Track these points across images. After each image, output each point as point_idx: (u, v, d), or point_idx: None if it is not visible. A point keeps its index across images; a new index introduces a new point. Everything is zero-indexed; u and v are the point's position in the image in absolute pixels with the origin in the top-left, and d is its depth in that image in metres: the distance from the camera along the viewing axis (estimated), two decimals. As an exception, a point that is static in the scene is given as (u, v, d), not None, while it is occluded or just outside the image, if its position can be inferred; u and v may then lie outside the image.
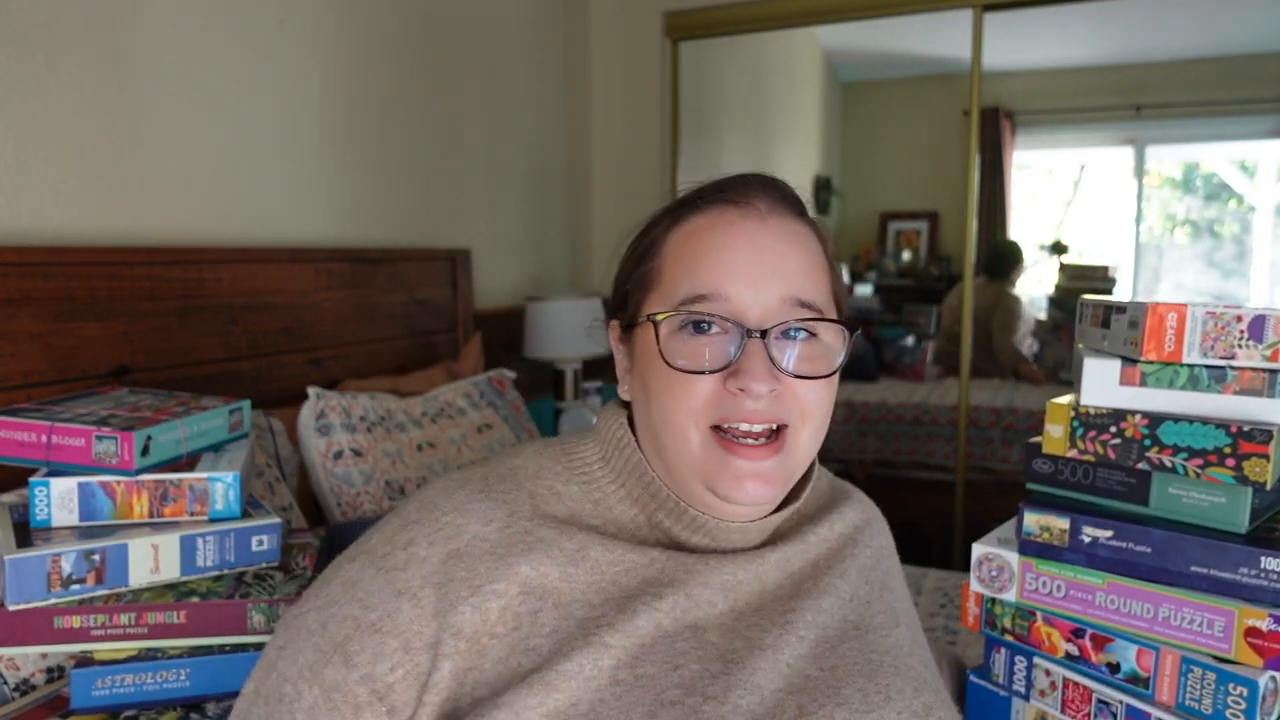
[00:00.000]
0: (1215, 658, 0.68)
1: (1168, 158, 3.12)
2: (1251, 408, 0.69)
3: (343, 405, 1.60)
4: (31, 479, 1.01)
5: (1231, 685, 0.66)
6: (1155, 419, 0.71)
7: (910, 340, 3.26)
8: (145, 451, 1.03)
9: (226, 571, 1.04)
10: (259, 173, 1.75)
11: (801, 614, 0.70)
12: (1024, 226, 3.24)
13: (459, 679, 0.62)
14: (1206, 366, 0.70)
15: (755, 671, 0.64)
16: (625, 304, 0.76)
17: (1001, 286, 3.10)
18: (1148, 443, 0.71)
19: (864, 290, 3.43)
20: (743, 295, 0.67)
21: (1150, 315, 0.69)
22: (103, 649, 0.95)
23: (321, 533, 1.24)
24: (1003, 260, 3.14)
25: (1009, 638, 0.80)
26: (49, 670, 1.02)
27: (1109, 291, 3.05)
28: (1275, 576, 0.65)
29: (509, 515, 0.68)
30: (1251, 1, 2.75)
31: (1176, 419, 0.70)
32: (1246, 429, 0.67)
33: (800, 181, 0.75)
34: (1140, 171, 3.09)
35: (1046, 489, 0.79)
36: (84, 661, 0.94)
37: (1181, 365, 0.70)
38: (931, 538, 2.81)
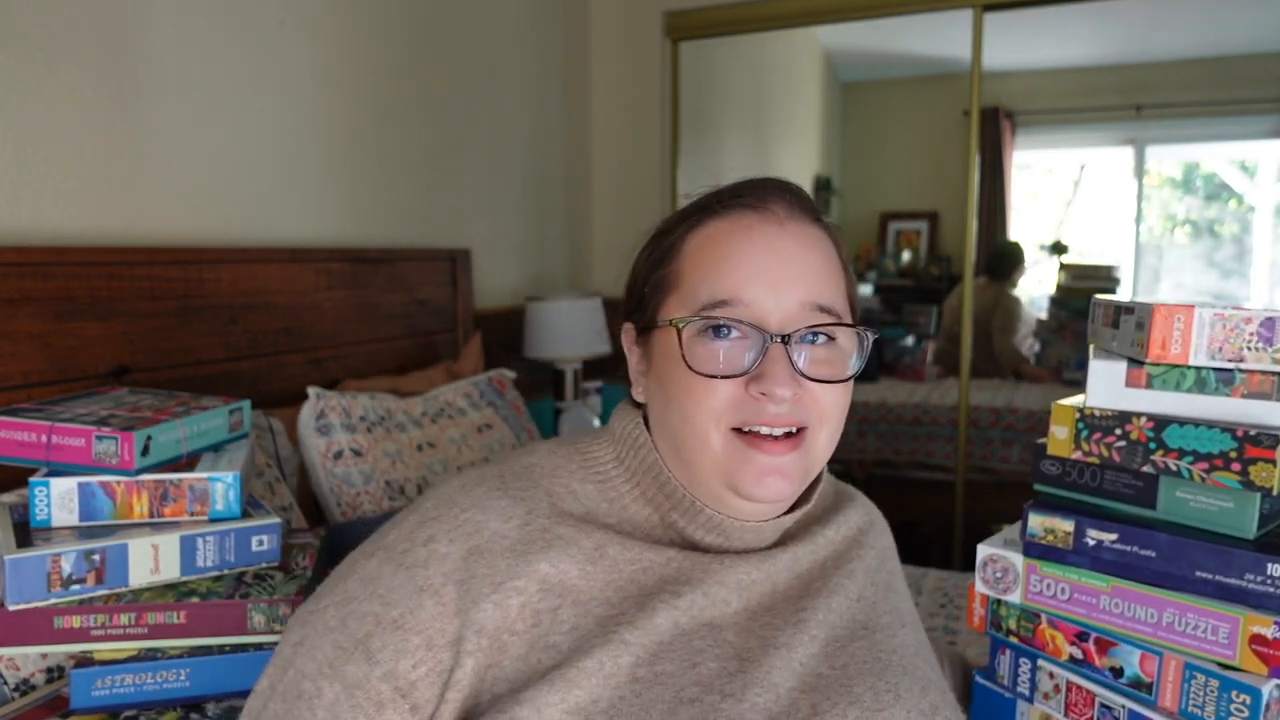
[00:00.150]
0: (1219, 664, 0.67)
1: (1168, 158, 3.12)
2: (1260, 411, 0.67)
3: (343, 405, 1.60)
4: (31, 479, 1.01)
5: (1235, 693, 0.65)
6: (1161, 422, 0.70)
7: (910, 340, 3.26)
8: (145, 451, 1.03)
9: (226, 571, 1.04)
10: (259, 173, 1.75)
11: (813, 613, 0.71)
12: (1024, 226, 3.24)
13: (480, 676, 0.62)
14: (1214, 369, 0.69)
15: (771, 670, 0.65)
16: (640, 307, 0.76)
17: (1002, 287, 3.10)
18: (1153, 446, 0.70)
19: (864, 290, 3.43)
20: (763, 300, 0.68)
21: (1156, 316, 0.68)
22: (103, 649, 0.95)
23: (321, 533, 1.24)
24: (1004, 261, 3.13)
25: (1014, 639, 0.79)
26: (49, 670, 1.02)
27: (1113, 291, 3.04)
28: (1283, 584, 0.64)
29: (527, 513, 0.69)
30: (1251, 1, 2.75)
31: (1182, 422, 0.69)
32: (1253, 433, 0.65)
33: (800, 182, 0.76)
34: (1140, 171, 3.09)
35: (1053, 490, 0.78)
36: (84, 661, 0.94)
37: (1188, 368, 0.69)
38: (931, 538, 2.81)
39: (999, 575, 0.79)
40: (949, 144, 3.05)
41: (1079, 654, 0.75)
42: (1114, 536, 0.72)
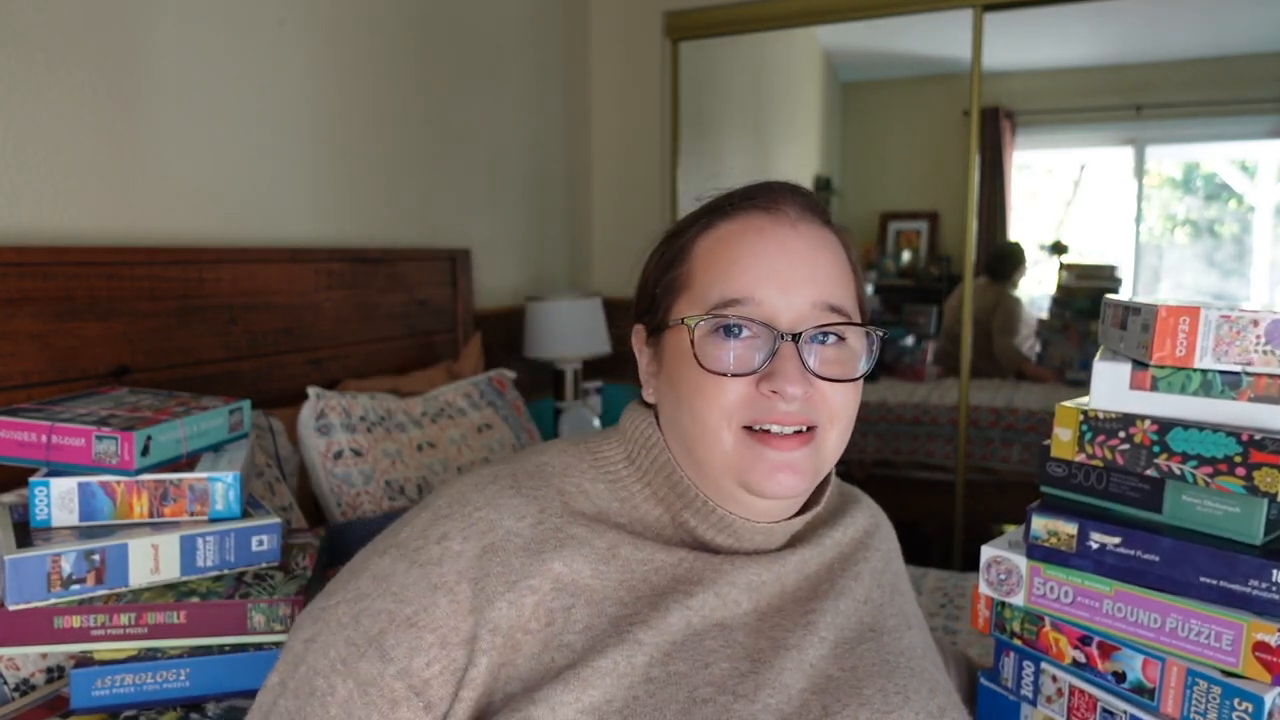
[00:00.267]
0: (1223, 671, 0.66)
1: (1168, 158, 3.12)
2: (1266, 415, 0.66)
3: (343, 405, 1.60)
4: (31, 479, 1.01)
5: (1237, 700, 0.64)
6: (1165, 425, 0.69)
7: (910, 340, 3.26)
8: (145, 451, 1.03)
9: (226, 571, 1.04)
10: (259, 172, 1.75)
11: (821, 615, 0.71)
12: (1024, 226, 3.24)
13: (494, 674, 0.62)
14: (1220, 372, 0.67)
15: (782, 671, 0.66)
16: (651, 308, 0.77)
17: (1003, 288, 3.10)
18: (1156, 449, 0.70)
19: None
20: (775, 300, 0.68)
21: (1160, 318, 0.67)
22: (103, 649, 0.95)
23: (321, 533, 1.24)
24: (1004, 261, 3.13)
25: (1018, 642, 0.79)
26: (49, 670, 1.02)
27: (1115, 290, 3.04)
28: (1288, 590, 0.63)
29: (540, 512, 0.69)
30: (1251, 1, 2.75)
31: (1186, 425, 0.68)
32: (1258, 437, 0.64)
33: (800, 182, 0.76)
34: (1140, 171, 3.09)
35: (1059, 492, 0.77)
36: (84, 661, 0.94)
37: (1194, 370, 0.68)
38: (931, 538, 2.81)
39: (1002, 577, 0.78)
40: (949, 144, 3.05)
41: (1082, 658, 0.74)
42: (1117, 540, 0.71)
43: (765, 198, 0.73)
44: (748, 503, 0.71)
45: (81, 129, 1.41)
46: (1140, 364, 0.71)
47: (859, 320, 0.72)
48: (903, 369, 3.21)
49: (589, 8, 2.97)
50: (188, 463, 1.11)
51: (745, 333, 0.68)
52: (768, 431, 0.68)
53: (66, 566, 0.95)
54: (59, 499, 1.01)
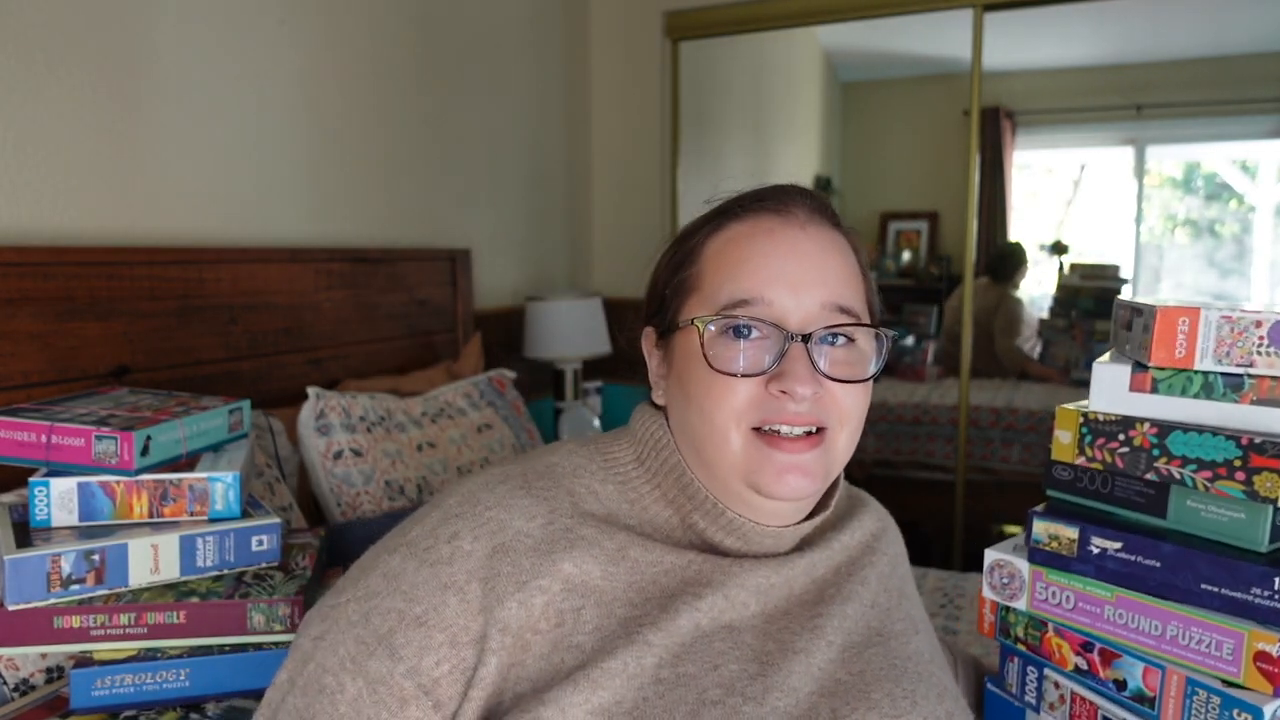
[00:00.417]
0: (1223, 681, 0.64)
1: (1168, 158, 3.12)
2: (1269, 419, 0.64)
3: (343, 405, 1.60)
4: (31, 479, 1.01)
5: (1237, 711, 0.62)
6: (1164, 428, 0.67)
7: (910, 340, 3.26)
8: (145, 451, 1.03)
9: (226, 571, 1.04)
10: (259, 172, 1.75)
11: (828, 619, 0.71)
12: (1024, 226, 3.23)
13: (503, 674, 0.62)
14: (1222, 374, 0.66)
15: (790, 674, 0.66)
16: (661, 310, 0.77)
17: (1004, 288, 3.09)
18: (1156, 452, 0.68)
19: (864, 290, 3.42)
20: (784, 300, 0.68)
21: (1159, 319, 0.66)
22: (102, 649, 0.95)
23: (321, 533, 1.24)
24: (1006, 262, 3.13)
25: (1022, 647, 0.78)
26: (49, 670, 1.02)
27: (1118, 289, 3.04)
28: (1291, 599, 0.61)
29: (550, 512, 0.69)
30: (1251, 1, 2.75)
31: (1186, 428, 0.66)
32: (1258, 441, 0.62)
33: (800, 182, 0.76)
34: (1140, 171, 3.09)
35: (1065, 496, 0.76)
36: (83, 661, 0.94)
37: (1194, 372, 0.67)
38: (931, 538, 2.81)
39: (1005, 581, 0.77)
40: (949, 144, 3.05)
41: (1084, 664, 0.73)
42: (1118, 545, 0.70)
43: (775, 199, 0.73)
44: (757, 505, 0.71)
45: (81, 129, 1.41)
46: (1140, 366, 0.70)
47: (869, 321, 0.72)
48: (903, 369, 3.20)
49: (589, 8, 2.97)
50: (188, 463, 1.11)
51: (755, 333, 0.68)
52: (777, 433, 0.68)
53: (66, 566, 0.95)
54: (59, 499, 1.01)
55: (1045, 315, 3.17)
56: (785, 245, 0.70)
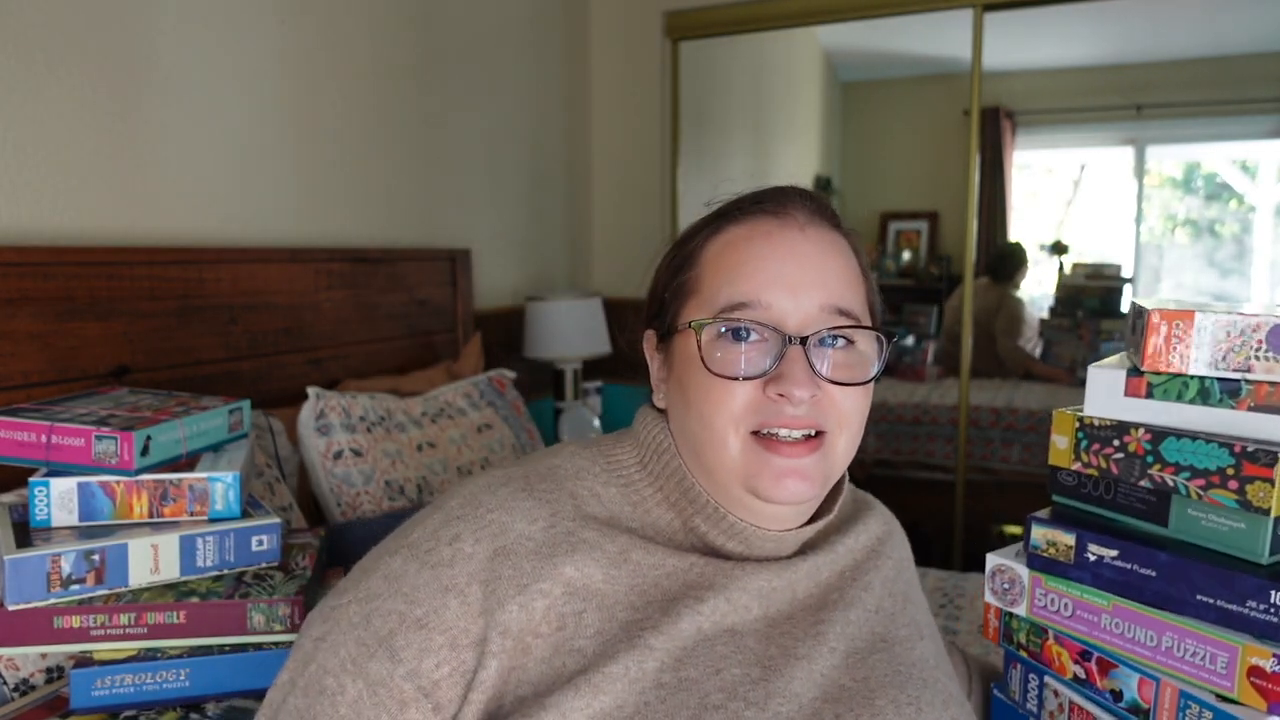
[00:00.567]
0: (1217, 695, 0.62)
1: (1168, 158, 3.12)
2: (1267, 425, 0.62)
3: (343, 405, 1.60)
4: (31, 479, 1.01)
5: None
6: (1158, 434, 0.66)
7: (911, 340, 3.26)
8: (145, 451, 1.03)
9: (226, 571, 1.04)
10: (259, 172, 1.75)
11: (831, 625, 0.71)
12: (1024, 226, 3.23)
13: (504, 678, 0.62)
14: (1219, 379, 0.64)
15: (793, 680, 0.65)
16: (661, 313, 0.77)
17: (1005, 289, 3.09)
18: (1150, 459, 0.66)
19: (864, 290, 3.42)
20: (783, 303, 0.68)
21: (1152, 322, 0.64)
22: (102, 649, 0.95)
23: (321, 533, 1.24)
24: (1006, 262, 3.13)
25: (1024, 653, 0.77)
26: (48, 670, 1.02)
27: (1120, 289, 3.04)
28: (1287, 613, 0.59)
29: (552, 515, 0.69)
30: (1251, 1, 2.75)
31: (1179, 435, 0.64)
32: (1251, 449, 0.60)
33: (800, 182, 0.76)
34: (1140, 171, 3.09)
35: (1068, 501, 0.75)
36: (83, 661, 0.94)
37: (1190, 377, 0.65)
38: (931, 538, 2.81)
39: (1006, 586, 0.77)
40: (949, 144, 3.05)
41: (1082, 673, 0.71)
42: (1114, 553, 0.68)
43: (774, 202, 0.72)
44: (757, 509, 0.70)
45: (81, 129, 1.41)
46: (1135, 370, 0.68)
47: (869, 324, 0.72)
48: (903, 369, 3.20)
49: (589, 8, 2.97)
50: (187, 463, 1.11)
51: (753, 336, 0.68)
52: (776, 437, 0.67)
53: (66, 566, 0.95)
54: (59, 499, 1.01)
55: (1045, 315, 3.17)
56: (784, 248, 0.69)
